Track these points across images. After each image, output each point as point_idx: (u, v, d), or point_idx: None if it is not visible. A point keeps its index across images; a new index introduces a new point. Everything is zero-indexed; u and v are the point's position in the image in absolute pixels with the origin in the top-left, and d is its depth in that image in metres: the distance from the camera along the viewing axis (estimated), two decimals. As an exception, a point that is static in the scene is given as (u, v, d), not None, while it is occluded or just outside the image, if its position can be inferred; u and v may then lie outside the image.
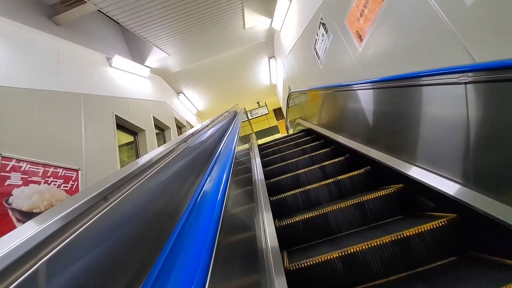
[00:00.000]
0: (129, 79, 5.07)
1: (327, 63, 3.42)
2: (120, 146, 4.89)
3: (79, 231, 0.51)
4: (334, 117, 3.07)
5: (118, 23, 4.59)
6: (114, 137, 3.89)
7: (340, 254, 1.23)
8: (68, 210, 0.51)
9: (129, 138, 4.88)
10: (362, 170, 2.05)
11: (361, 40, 2.41)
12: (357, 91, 2.26)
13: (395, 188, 1.63)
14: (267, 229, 1.45)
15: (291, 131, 7.78)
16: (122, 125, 4.42)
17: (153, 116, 5.44)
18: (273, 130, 13.19)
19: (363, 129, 2.24)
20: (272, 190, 2.39)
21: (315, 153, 2.86)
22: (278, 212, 2.02)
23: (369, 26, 2.21)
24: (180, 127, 7.67)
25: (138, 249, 0.70)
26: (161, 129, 6.18)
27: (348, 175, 2.06)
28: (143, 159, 0.90)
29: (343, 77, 3.01)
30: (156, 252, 0.68)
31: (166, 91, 7.10)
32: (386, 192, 1.63)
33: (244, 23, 5.31)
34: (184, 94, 8.09)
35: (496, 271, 0.96)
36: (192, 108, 9.13)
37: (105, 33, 4.91)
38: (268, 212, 1.65)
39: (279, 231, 1.62)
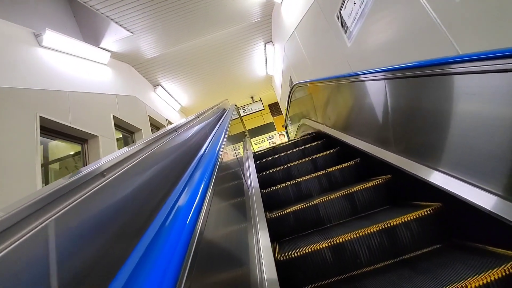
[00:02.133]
0: (75, 66, 3.70)
1: (363, 36, 2.15)
2: (62, 159, 3.58)
3: None
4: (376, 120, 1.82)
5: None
6: (35, 151, 2.57)
7: (329, 244, 1.23)
8: None
9: (76, 147, 3.55)
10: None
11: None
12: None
13: (383, 179, 1.63)
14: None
15: (291, 130, 6.55)
16: (58, 131, 3.09)
17: (114, 116, 4.09)
18: (269, 127, 11.89)
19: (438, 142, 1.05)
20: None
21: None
22: None
23: None
24: (158, 127, 6.31)
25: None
26: (128, 131, 4.83)
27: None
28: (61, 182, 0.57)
29: (403, 55, 1.76)
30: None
31: (137, 83, 5.71)
32: (374, 183, 1.63)
33: (233, -9, 3.97)
34: (162, 87, 6.70)
35: (478, 257, 0.98)
36: (175, 103, 7.75)
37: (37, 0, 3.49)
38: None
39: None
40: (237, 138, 4.74)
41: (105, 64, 4.42)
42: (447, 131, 1.15)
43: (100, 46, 4.15)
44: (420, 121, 1.33)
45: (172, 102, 7.54)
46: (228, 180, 1.45)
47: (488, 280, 0.82)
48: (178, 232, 0.51)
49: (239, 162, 2.51)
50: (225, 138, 1.77)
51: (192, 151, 1.84)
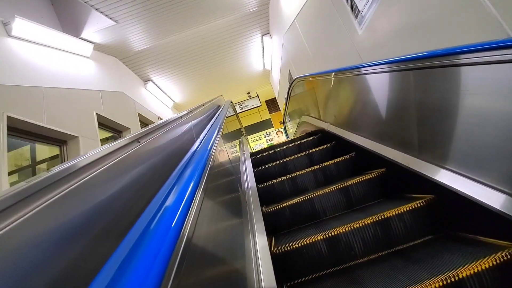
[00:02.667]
0: (52, 58, 3.34)
1: (379, 21, 1.85)
2: (39, 162, 3.23)
3: None
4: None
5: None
6: (1, 154, 2.24)
7: (324, 236, 1.24)
8: None
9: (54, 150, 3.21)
10: None
11: None
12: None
13: (378, 173, 1.63)
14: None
15: (290, 127, 6.25)
16: (30, 132, 2.74)
17: (98, 114, 3.75)
18: (266, 124, 11.56)
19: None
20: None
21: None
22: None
23: None
24: (148, 125, 5.96)
25: None
26: (116, 130, 4.48)
27: None
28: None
29: (433, 40, 1.46)
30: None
31: (125, 78, 5.34)
32: (369, 177, 1.63)
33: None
34: (153, 82, 6.32)
35: (470, 247, 0.99)
36: (167, 100, 7.38)
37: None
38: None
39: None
40: (233, 137, 4.44)
41: (87, 57, 4.05)
42: (442, 125, 1.15)
43: (81, 37, 3.77)
44: (423, 114, 1.28)
45: (164, 99, 7.18)
46: (223, 178, 1.30)
47: (479, 268, 0.83)
48: (162, 234, 0.46)
49: (236, 161, 2.24)
50: (218, 136, 1.55)
51: (182, 151, 1.63)
